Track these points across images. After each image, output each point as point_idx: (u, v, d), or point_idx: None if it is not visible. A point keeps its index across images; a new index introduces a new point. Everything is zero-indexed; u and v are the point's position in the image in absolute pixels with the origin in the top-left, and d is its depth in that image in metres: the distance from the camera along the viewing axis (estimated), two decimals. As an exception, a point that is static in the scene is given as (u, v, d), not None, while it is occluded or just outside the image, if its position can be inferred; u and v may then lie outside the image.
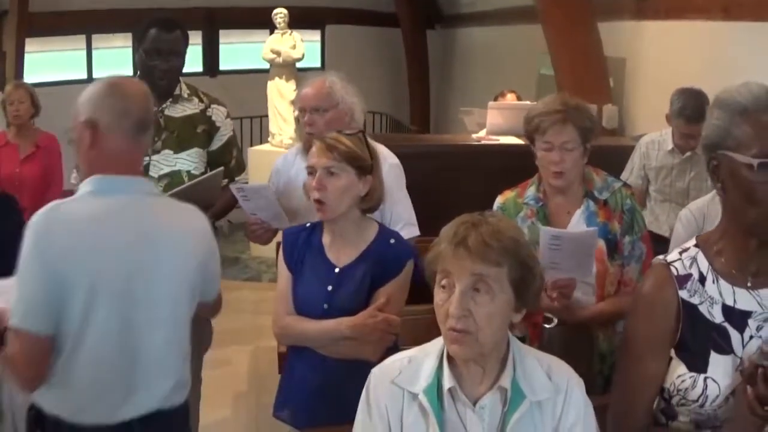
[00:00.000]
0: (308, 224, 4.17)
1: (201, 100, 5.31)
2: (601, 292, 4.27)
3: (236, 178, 5.37)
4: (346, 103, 5.06)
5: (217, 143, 5.34)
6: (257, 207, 4.90)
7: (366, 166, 3.98)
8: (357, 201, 3.99)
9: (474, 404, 2.76)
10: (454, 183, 6.91)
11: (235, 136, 5.52)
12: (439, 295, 2.73)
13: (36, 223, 3.18)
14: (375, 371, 2.93)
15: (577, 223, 4.30)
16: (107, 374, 3.30)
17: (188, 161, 4.99)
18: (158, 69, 4.99)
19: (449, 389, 2.76)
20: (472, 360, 2.74)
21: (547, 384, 2.79)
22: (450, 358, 2.79)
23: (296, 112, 5.26)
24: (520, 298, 2.76)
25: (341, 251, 4.02)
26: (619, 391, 3.02)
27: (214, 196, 4.88)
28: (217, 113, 5.37)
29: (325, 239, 4.07)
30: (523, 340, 4.21)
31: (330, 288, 3.96)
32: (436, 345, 2.87)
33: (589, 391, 2.91)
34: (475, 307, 2.66)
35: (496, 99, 8.96)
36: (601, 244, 4.24)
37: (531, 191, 4.42)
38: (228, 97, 13.95)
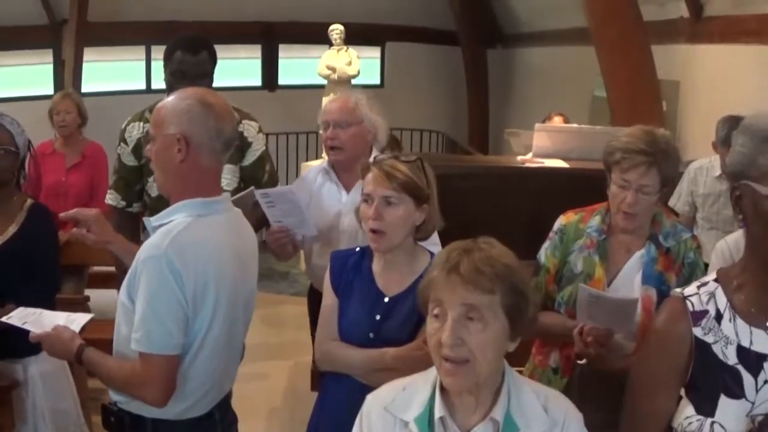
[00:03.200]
0: (358, 248, 4.08)
1: None
2: (643, 341, 4.10)
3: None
4: (371, 121, 5.03)
5: (249, 158, 5.33)
6: (282, 213, 4.86)
7: (423, 195, 3.86)
8: (412, 231, 3.89)
9: None
10: (497, 205, 6.83)
11: (267, 151, 5.49)
12: (431, 324, 2.68)
13: (165, 254, 3.32)
14: (369, 398, 2.91)
15: (634, 266, 4.12)
16: (214, 374, 3.59)
17: (223, 177, 4.99)
18: (195, 88, 4.98)
19: (440, 418, 2.70)
20: (466, 390, 2.68)
21: (542, 417, 2.71)
22: (443, 388, 2.73)
23: (319, 126, 5.22)
24: (515, 326, 2.70)
25: (391, 280, 3.92)
26: (627, 425, 2.94)
27: (246, 213, 4.86)
28: (249, 128, 5.35)
29: (376, 267, 3.97)
30: (556, 371, 4.17)
31: (378, 317, 3.87)
32: (430, 374, 2.82)
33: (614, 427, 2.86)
34: (469, 336, 2.61)
35: (543, 122, 8.91)
36: (652, 293, 4.05)
37: (596, 221, 4.22)
38: (285, 112, 14.17)
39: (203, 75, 5.07)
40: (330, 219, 5.07)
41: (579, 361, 4.08)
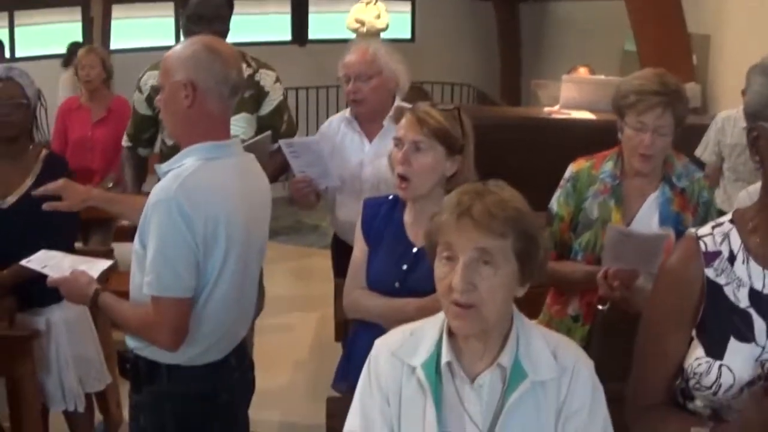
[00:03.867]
0: (390, 197, 4.05)
1: (249, 65, 5.29)
2: None
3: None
4: (391, 69, 5.01)
5: (266, 108, 5.36)
6: (306, 163, 4.90)
7: (456, 146, 3.80)
8: (442, 181, 3.84)
9: (473, 381, 2.68)
10: (523, 156, 6.82)
11: (285, 100, 5.51)
12: (441, 269, 2.64)
13: (175, 197, 3.34)
14: (377, 342, 2.89)
15: (650, 208, 4.13)
16: (227, 318, 3.62)
17: (236, 127, 4.99)
18: (202, 35, 4.99)
19: (447, 363, 2.69)
20: (473, 335, 2.67)
21: (551, 364, 2.68)
22: (450, 332, 2.72)
23: (340, 78, 5.21)
24: (525, 271, 2.66)
25: (421, 230, 3.72)
26: (637, 365, 2.89)
27: (263, 159, 4.86)
28: (266, 78, 5.37)
29: (407, 217, 3.95)
30: (576, 318, 4.17)
31: (405, 267, 3.87)
32: (438, 318, 2.80)
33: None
34: (480, 281, 2.57)
35: (569, 73, 8.85)
36: (671, 233, 4.00)
37: (608, 166, 4.21)
38: (315, 66, 14.14)
39: (219, 18, 5.12)
40: (352, 168, 5.08)
41: (600, 306, 4.07)
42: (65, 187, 4.03)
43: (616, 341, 2.94)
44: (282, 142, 4.92)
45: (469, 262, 2.57)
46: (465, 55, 16.99)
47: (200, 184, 3.40)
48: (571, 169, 4.32)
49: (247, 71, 5.19)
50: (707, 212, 4.14)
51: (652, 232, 3.98)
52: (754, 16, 8.69)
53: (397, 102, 5.08)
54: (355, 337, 4.07)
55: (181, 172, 3.42)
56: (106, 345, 5.30)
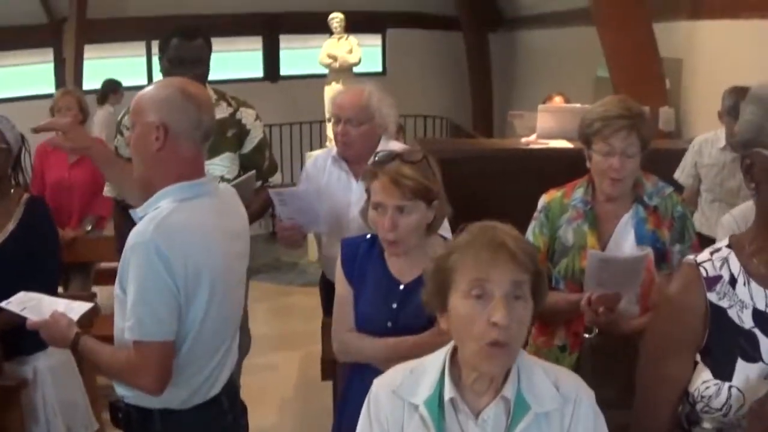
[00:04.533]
0: (368, 236, 4.03)
1: (229, 104, 5.32)
2: (645, 301, 4.13)
3: (270, 179, 5.36)
4: (382, 115, 5.03)
5: (248, 146, 5.35)
6: (294, 211, 4.91)
7: (434, 195, 3.81)
8: (425, 228, 3.85)
9: (477, 416, 2.68)
10: (501, 187, 6.79)
11: (266, 138, 5.52)
12: (471, 307, 2.61)
13: (153, 240, 3.30)
14: (377, 381, 2.88)
15: (624, 229, 4.20)
16: (212, 359, 3.59)
17: (221, 166, 4.99)
18: (176, 78, 4.97)
19: (450, 400, 2.68)
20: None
21: (554, 394, 2.69)
22: (452, 369, 2.72)
23: (328, 117, 5.22)
24: (537, 307, 2.70)
25: (404, 267, 3.89)
26: (640, 392, 2.92)
27: (246, 198, 4.85)
28: (247, 116, 5.37)
29: (388, 253, 3.94)
30: (563, 348, 4.17)
31: (395, 306, 3.85)
32: (438, 356, 2.80)
33: (630, 404, 2.85)
34: (514, 316, 2.58)
35: (544, 102, 8.89)
36: (649, 251, 4.10)
37: (579, 193, 4.30)
38: (288, 102, 14.15)
39: (199, 61, 5.11)
40: (340, 207, 5.08)
41: (586, 335, 4.11)
42: (72, 126, 4.03)
43: (605, 368, 2.94)
44: (271, 192, 4.95)
45: (507, 297, 2.58)
46: (437, 86, 17.06)
47: (177, 225, 3.38)
48: (543, 200, 4.40)
49: (228, 110, 5.21)
50: (683, 226, 4.25)
51: (632, 254, 4.04)
52: (725, 40, 8.77)
53: (384, 140, 5.10)
54: (350, 382, 4.03)
55: (157, 214, 3.40)
56: (90, 390, 5.25)
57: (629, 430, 2.95)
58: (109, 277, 7.10)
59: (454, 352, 2.77)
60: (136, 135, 3.52)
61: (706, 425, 2.76)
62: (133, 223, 5.30)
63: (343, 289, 3.98)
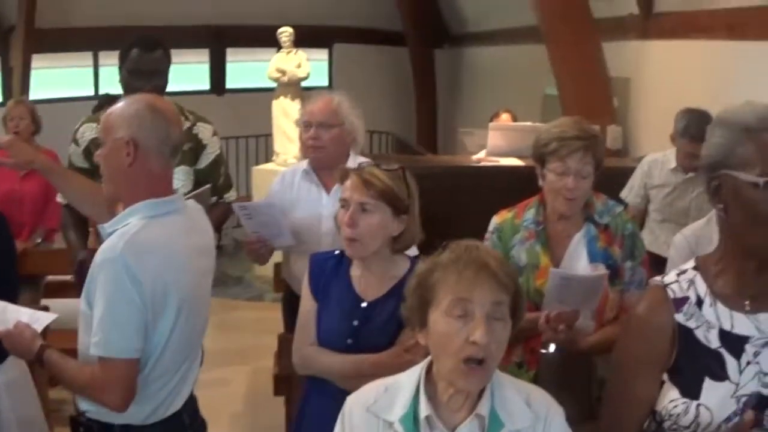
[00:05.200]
0: (337, 252, 4.02)
1: (186, 118, 5.24)
2: (600, 317, 4.21)
3: (225, 196, 5.34)
4: (352, 123, 5.06)
5: (204, 161, 5.31)
6: (260, 224, 4.92)
7: (402, 206, 3.79)
8: (389, 240, 3.83)
9: None
10: (453, 205, 6.83)
11: (222, 154, 5.48)
12: (451, 325, 2.65)
13: (121, 256, 3.29)
14: (350, 399, 2.89)
15: (577, 248, 4.24)
16: (176, 376, 3.57)
17: (176, 180, 4.96)
18: (143, 90, 4.90)
19: (426, 417, 2.70)
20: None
21: (526, 412, 2.74)
22: (427, 386, 2.75)
23: (299, 125, 5.22)
24: (515, 326, 2.74)
25: (369, 285, 3.88)
26: (607, 411, 2.98)
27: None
28: (204, 131, 5.34)
29: (354, 271, 3.93)
30: (520, 366, 4.20)
31: (356, 323, 3.82)
32: (412, 373, 2.82)
33: (587, 417, 2.87)
34: (493, 336, 2.63)
35: (491, 119, 8.96)
36: (602, 268, 4.17)
37: (530, 213, 4.34)
38: (234, 116, 14.13)
39: (159, 73, 5.08)
40: (310, 220, 5.09)
41: (544, 350, 4.15)
42: (13, 143, 4.04)
43: (562, 384, 2.98)
44: (235, 205, 4.99)
45: (488, 317, 2.62)
46: (383, 102, 17.08)
47: (146, 243, 3.37)
48: (494, 221, 4.43)
49: (185, 124, 5.16)
50: (633, 243, 4.31)
51: (592, 273, 4.09)
52: (673, 60, 8.88)
53: (353, 156, 5.13)
54: (309, 397, 4.02)
55: (126, 230, 3.38)
56: (43, 404, 5.19)
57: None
58: (58, 291, 7.09)
59: (429, 369, 2.79)
60: (106, 152, 3.52)
61: (673, 443, 2.82)
62: (81, 227, 5.31)
63: (307, 302, 3.97)
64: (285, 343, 4.54)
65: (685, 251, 4.78)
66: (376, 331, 3.78)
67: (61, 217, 5.51)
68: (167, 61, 5.16)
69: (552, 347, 4.11)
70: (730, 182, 2.66)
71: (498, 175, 7.19)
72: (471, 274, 2.63)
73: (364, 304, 3.85)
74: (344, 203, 3.82)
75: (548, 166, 4.17)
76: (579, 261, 4.21)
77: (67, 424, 3.68)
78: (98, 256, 3.35)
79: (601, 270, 4.13)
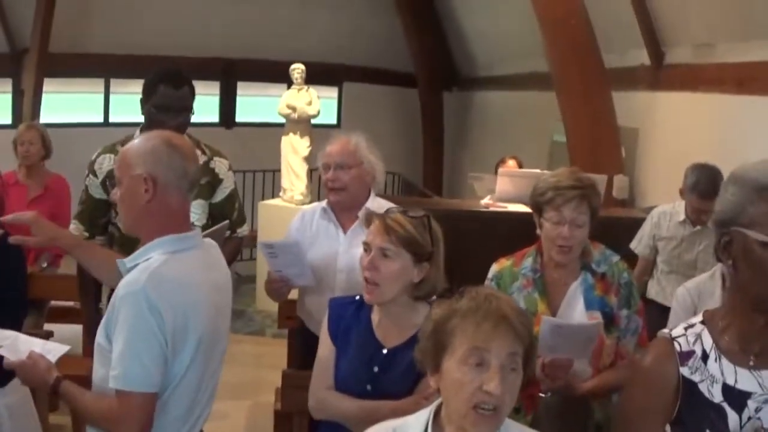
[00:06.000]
0: (357, 297, 4.05)
1: (204, 152, 5.34)
2: (597, 363, 4.25)
3: (238, 230, 5.38)
4: (371, 163, 5.11)
5: (219, 195, 5.39)
6: (284, 264, 4.96)
7: (424, 253, 3.82)
8: (409, 287, 3.84)
9: None
10: (461, 249, 6.82)
11: (236, 189, 5.56)
12: (465, 373, 2.69)
13: (143, 290, 3.31)
14: None
15: (574, 296, 4.29)
16: (190, 412, 3.56)
17: (193, 213, 5.00)
18: (167, 125, 4.91)
19: None
20: None
21: None
22: (435, 429, 2.78)
23: (319, 167, 5.26)
24: (526, 375, 2.79)
25: (390, 332, 3.90)
26: None
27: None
28: (220, 165, 5.43)
29: (374, 317, 3.96)
30: (517, 411, 4.21)
31: (376, 369, 3.86)
32: (421, 416, 2.85)
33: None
34: (506, 385, 2.67)
35: (497, 165, 9.04)
36: (598, 316, 4.23)
37: (528, 262, 4.42)
38: (242, 150, 14.20)
39: (185, 109, 5.14)
40: (327, 258, 5.12)
41: (542, 394, 4.18)
42: (36, 220, 4.02)
43: (561, 427, 3.00)
44: (260, 244, 5.08)
45: (504, 367, 2.66)
46: (390, 142, 17.06)
47: (168, 277, 3.39)
48: (493, 268, 4.52)
49: (202, 158, 5.21)
50: (629, 292, 4.36)
51: (585, 322, 4.13)
52: (681, 111, 8.91)
53: (372, 196, 5.17)
54: None
55: (148, 265, 3.41)
56: (44, 427, 5.20)
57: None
58: (62, 316, 7.10)
59: (437, 412, 2.82)
60: (124, 189, 3.55)
61: (674, 493, 2.83)
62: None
63: (326, 346, 4.00)
64: (289, 380, 4.53)
65: (688, 304, 4.87)
66: (395, 379, 3.80)
67: None
68: (192, 98, 5.21)
69: (549, 392, 4.16)
70: (741, 239, 2.70)
71: (505, 220, 7.20)
72: (490, 326, 2.68)
73: (384, 351, 3.87)
74: (366, 247, 3.86)
75: (544, 215, 4.26)
76: (576, 309, 4.26)
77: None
78: (120, 290, 3.37)
79: (595, 319, 4.18)
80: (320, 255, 5.10)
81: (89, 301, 5.41)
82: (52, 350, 3.76)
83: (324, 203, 5.31)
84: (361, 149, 5.14)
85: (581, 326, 4.08)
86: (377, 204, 5.06)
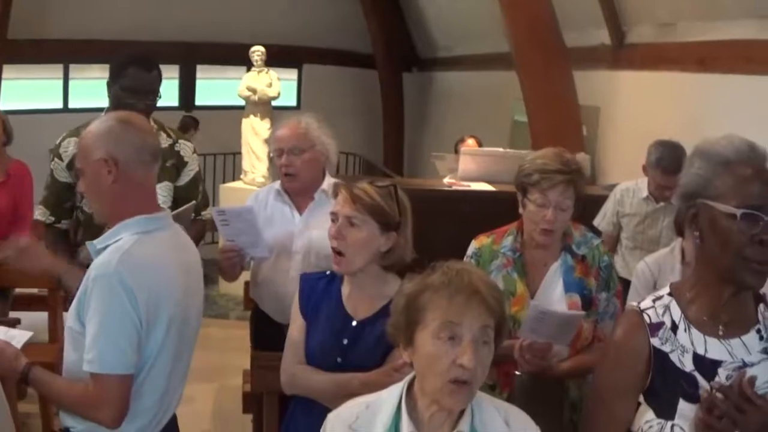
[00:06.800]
0: (328, 272, 4.07)
1: (169, 135, 5.37)
2: (575, 345, 4.25)
3: (202, 213, 5.38)
4: (323, 144, 5.09)
5: (185, 178, 5.40)
6: (237, 232, 4.91)
7: (391, 222, 3.85)
8: (377, 256, 3.87)
9: None
10: (425, 228, 6.85)
11: (200, 172, 5.57)
12: (439, 347, 2.71)
13: (117, 271, 3.31)
14: (331, 416, 2.93)
15: (553, 277, 4.30)
16: (165, 392, 3.57)
17: (159, 195, 4.98)
18: (135, 108, 4.91)
19: None
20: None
21: (504, 430, 2.81)
22: (409, 403, 2.81)
23: (271, 153, 5.24)
24: (497, 347, 2.80)
25: (359, 303, 3.92)
26: (586, 431, 3.08)
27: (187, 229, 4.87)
28: (185, 148, 5.43)
29: (344, 289, 3.98)
30: (493, 387, 4.23)
31: (346, 341, 3.86)
32: (393, 390, 2.88)
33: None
34: (478, 358, 2.69)
35: (457, 145, 9.07)
36: (577, 299, 4.25)
37: (508, 241, 4.39)
38: (202, 133, 14.06)
39: (154, 92, 5.14)
40: (282, 240, 5.10)
41: (518, 372, 4.19)
42: (29, 249, 4.07)
43: (536, 406, 3.03)
44: (213, 210, 4.98)
45: (476, 340, 2.68)
46: (351, 123, 17.08)
47: (140, 258, 3.38)
48: (473, 245, 4.49)
49: (167, 141, 5.23)
50: (609, 275, 4.37)
51: (570, 312, 4.14)
52: (643, 90, 8.93)
53: (328, 177, 5.18)
54: (295, 418, 4.03)
55: (119, 245, 3.40)
56: (14, 416, 5.16)
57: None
58: (27, 304, 7.07)
59: (409, 386, 2.84)
60: (88, 177, 3.54)
61: (649, 462, 2.90)
62: (62, 244, 5.27)
63: (297, 322, 4.00)
64: (257, 360, 4.53)
65: (648, 278, 4.96)
66: (366, 351, 3.81)
67: (36, 232, 5.49)
68: (160, 82, 5.20)
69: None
70: (707, 211, 2.79)
71: (468, 199, 7.21)
72: (462, 299, 2.69)
73: (354, 323, 3.89)
74: (334, 217, 3.88)
75: (529, 195, 4.23)
76: (555, 290, 4.27)
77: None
78: (92, 272, 3.36)
79: (574, 304, 4.21)
80: (276, 235, 5.09)
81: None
82: (15, 336, 3.76)
83: (277, 185, 5.31)
84: (312, 131, 5.14)
85: (565, 315, 4.09)
86: (333, 183, 5.08)
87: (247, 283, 5.75)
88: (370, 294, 3.90)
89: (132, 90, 5.03)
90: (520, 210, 4.33)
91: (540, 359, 4.07)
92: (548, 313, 4.01)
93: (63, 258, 5.08)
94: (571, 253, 4.33)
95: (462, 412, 2.78)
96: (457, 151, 8.60)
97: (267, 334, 5.16)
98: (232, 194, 11.78)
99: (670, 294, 2.98)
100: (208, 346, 9.38)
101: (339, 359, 3.85)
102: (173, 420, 3.75)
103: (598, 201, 7.33)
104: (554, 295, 4.25)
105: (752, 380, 2.75)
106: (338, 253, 3.85)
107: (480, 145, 9.29)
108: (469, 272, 2.79)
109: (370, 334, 3.80)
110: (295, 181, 5.14)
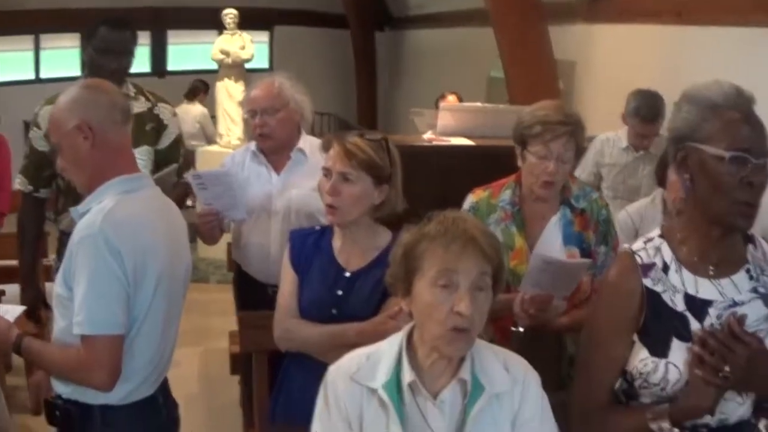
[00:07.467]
0: (318, 227, 4.09)
1: (147, 99, 5.33)
2: (572, 299, 4.22)
3: (184, 176, 5.34)
4: (297, 102, 5.06)
5: (165, 141, 5.36)
6: (213, 195, 4.88)
7: (384, 175, 3.86)
8: (370, 209, 3.88)
9: (435, 397, 2.79)
10: (406, 183, 6.88)
11: (181, 135, 5.53)
12: (437, 295, 2.73)
13: (102, 231, 3.29)
14: (332, 368, 2.93)
15: (553, 230, 4.18)
16: (156, 352, 3.56)
17: (139, 159, 4.96)
18: (107, 68, 4.92)
19: (409, 384, 2.78)
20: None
21: (504, 376, 2.84)
22: (409, 353, 2.83)
23: (245, 115, 5.22)
24: (495, 295, 2.83)
25: (352, 256, 3.93)
26: (582, 374, 3.13)
27: (166, 192, 4.84)
28: (164, 111, 5.40)
29: (335, 242, 3.98)
30: (491, 342, 4.24)
31: (340, 293, 3.87)
32: (393, 341, 2.90)
33: (555, 390, 2.95)
34: (476, 306, 2.71)
35: (437, 101, 9.07)
36: (576, 252, 4.22)
37: (507, 194, 4.35)
38: (175, 99, 13.99)
39: (127, 52, 5.11)
40: (260, 201, 5.08)
41: (514, 328, 4.15)
42: None
43: (533, 361, 3.04)
44: (189, 174, 4.96)
45: (473, 288, 2.71)
46: (324, 84, 17.05)
47: (124, 217, 3.38)
48: (470, 199, 4.43)
49: (146, 104, 5.21)
50: (607, 229, 4.36)
51: (575, 260, 4.12)
52: (619, 44, 8.93)
53: (303, 135, 5.14)
54: (290, 376, 4.03)
55: (102, 207, 3.38)
56: (2, 389, 5.15)
57: (568, 409, 3.12)
58: (8, 275, 7.03)
59: (409, 336, 2.87)
60: (65, 149, 3.50)
61: (645, 400, 2.98)
62: (37, 215, 5.25)
63: (288, 277, 4.00)
64: (244, 322, 4.53)
65: (629, 227, 5.00)
66: (360, 301, 3.83)
67: (12, 203, 5.46)
68: (135, 42, 5.17)
69: (521, 327, 4.13)
70: (696, 154, 2.84)
71: (448, 153, 7.21)
72: (458, 247, 2.71)
73: (347, 274, 3.90)
74: (326, 172, 3.87)
75: (530, 148, 4.17)
76: (554, 243, 4.18)
77: (22, 411, 3.62)
78: (76, 235, 3.34)
79: (573, 256, 4.17)
80: (254, 196, 5.07)
81: (27, 254, 5.36)
82: (9, 311, 3.73)
83: (253, 146, 5.28)
84: (285, 90, 5.09)
85: (571, 263, 4.05)
86: (309, 142, 5.11)
87: (229, 245, 5.73)
88: (362, 246, 3.91)
89: (104, 50, 4.99)
90: (519, 163, 4.28)
91: (540, 312, 4.03)
92: (552, 262, 3.96)
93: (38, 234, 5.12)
94: (570, 207, 4.30)
95: (462, 360, 2.81)
96: (437, 108, 8.58)
97: (251, 295, 5.15)
98: (209, 157, 11.70)
99: (661, 236, 3.04)
100: (190, 310, 9.31)
101: (334, 311, 3.85)
102: (165, 383, 3.75)
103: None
104: (553, 248, 4.18)
105: (742, 319, 2.80)
106: (333, 207, 3.84)
107: (461, 101, 9.29)
108: (465, 220, 2.81)
109: (364, 284, 3.83)
110: (270, 140, 5.11)
